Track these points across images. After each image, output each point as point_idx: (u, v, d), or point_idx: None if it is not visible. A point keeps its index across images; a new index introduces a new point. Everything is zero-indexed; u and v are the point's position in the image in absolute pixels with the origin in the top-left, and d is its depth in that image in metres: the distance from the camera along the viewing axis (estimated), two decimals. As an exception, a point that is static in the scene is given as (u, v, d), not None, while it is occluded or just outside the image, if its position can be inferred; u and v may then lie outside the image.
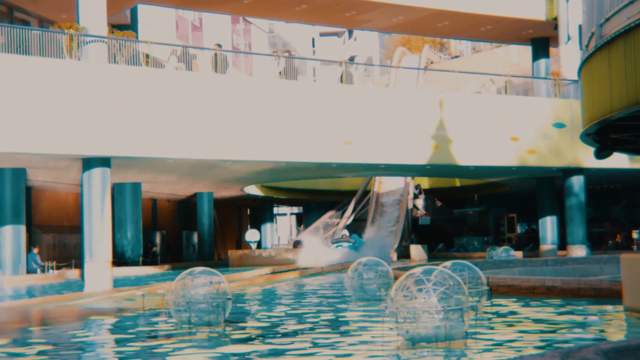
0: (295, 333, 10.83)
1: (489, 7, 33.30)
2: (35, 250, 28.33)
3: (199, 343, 9.80)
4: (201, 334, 10.45)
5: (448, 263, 11.82)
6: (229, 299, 10.93)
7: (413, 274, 8.82)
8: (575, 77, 25.31)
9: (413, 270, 8.96)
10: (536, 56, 37.08)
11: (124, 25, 29.78)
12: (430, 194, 45.62)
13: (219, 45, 27.65)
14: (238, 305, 12.84)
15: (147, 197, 39.14)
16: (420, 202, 44.26)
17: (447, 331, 8.65)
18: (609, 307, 12.54)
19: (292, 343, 9.72)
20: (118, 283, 22.67)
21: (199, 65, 27.33)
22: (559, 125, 30.34)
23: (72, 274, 26.60)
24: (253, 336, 10.38)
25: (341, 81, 28.52)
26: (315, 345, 9.47)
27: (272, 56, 27.86)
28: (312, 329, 11.21)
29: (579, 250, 31.44)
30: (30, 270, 27.08)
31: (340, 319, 12.43)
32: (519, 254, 31.58)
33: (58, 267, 29.02)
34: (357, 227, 43.06)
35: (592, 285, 13.80)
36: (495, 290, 13.77)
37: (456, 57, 59.01)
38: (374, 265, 14.60)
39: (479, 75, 34.33)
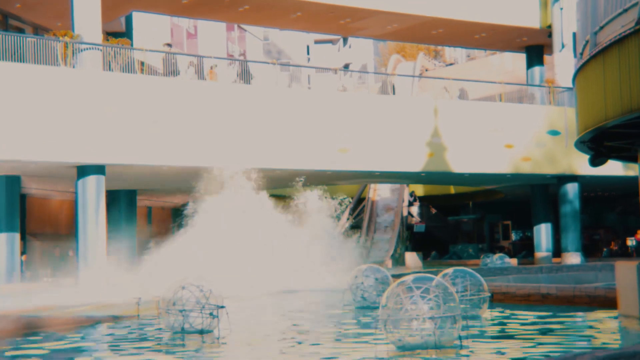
0: (289, 340, 10.81)
1: (483, 15, 33.34)
2: (23, 258, 28.22)
3: (191, 352, 9.77)
4: (194, 342, 10.42)
5: (450, 270, 11.84)
6: (222, 307, 10.91)
7: (404, 281, 8.83)
8: (570, 85, 25.36)
9: (404, 278, 8.97)
10: (530, 64, 37.12)
11: (118, 33, 29.75)
12: (425, 201, 45.61)
13: (169, 45, 27.50)
14: (232, 313, 12.80)
15: (142, 204, 39.04)
16: (415, 210, 44.27)
17: (437, 339, 8.65)
18: (603, 314, 12.54)
19: (287, 349, 9.70)
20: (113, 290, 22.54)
21: (217, 75, 27.22)
22: (554, 133, 30.39)
23: (67, 281, 26.48)
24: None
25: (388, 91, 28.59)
26: (310, 351, 9.45)
27: (269, 64, 27.83)
28: (308, 334, 11.19)
29: (573, 258, 31.44)
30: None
31: (337, 326, 12.41)
32: (513, 262, 31.59)
33: (53, 275, 28.91)
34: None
35: (587, 292, 13.81)
36: (490, 298, 13.75)
37: (451, 64, 59.12)
38: (374, 273, 14.64)
39: (474, 82, 34.40)
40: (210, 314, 10.84)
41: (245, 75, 26.82)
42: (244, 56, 28.64)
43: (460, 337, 8.88)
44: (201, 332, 10.82)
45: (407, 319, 8.69)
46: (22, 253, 28.82)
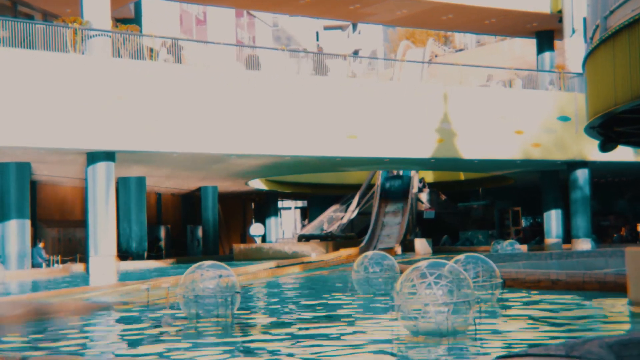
0: (300, 327, 10.84)
1: (493, 0, 33.23)
2: (41, 245, 28.39)
3: (207, 336, 9.81)
4: (210, 327, 10.47)
5: (461, 256, 11.82)
6: (238, 292, 10.95)
7: (418, 267, 8.82)
8: (580, 70, 25.24)
9: (418, 264, 8.96)
10: (541, 49, 36.99)
11: (127, 19, 29.78)
12: (434, 188, 45.58)
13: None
14: (244, 299, 12.85)
15: (151, 191, 39.17)
16: (424, 196, 44.24)
17: (452, 324, 8.66)
18: (613, 300, 12.52)
19: (298, 336, 9.73)
20: (123, 277, 22.70)
21: (186, 58, 27.22)
22: (564, 119, 30.29)
23: (77, 268, 26.64)
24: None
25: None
26: (321, 338, 9.47)
27: (278, 50, 27.79)
28: (318, 322, 11.21)
29: (584, 244, 31.40)
30: (35, 265, 27.13)
31: (345, 313, 12.43)
32: (524, 248, 31.56)
33: (63, 261, 29.07)
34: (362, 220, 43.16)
35: (597, 278, 13.78)
36: (502, 284, 13.75)
37: (460, 50, 58.95)
38: (380, 259, 14.60)
39: (484, 68, 34.30)
40: (226, 299, 10.89)
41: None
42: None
43: (474, 323, 8.88)
44: (217, 317, 10.87)
45: (421, 304, 8.69)
46: (40, 239, 28.99)
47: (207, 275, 11.09)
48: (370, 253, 14.86)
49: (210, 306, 10.94)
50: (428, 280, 8.70)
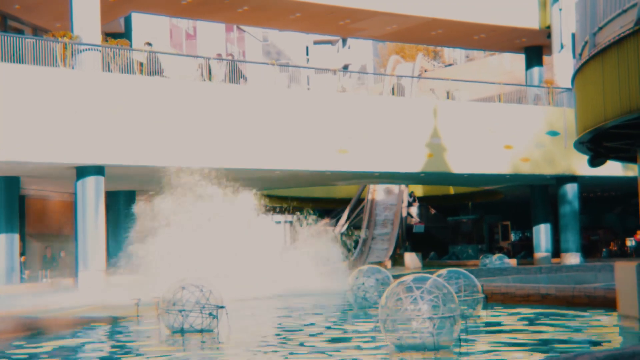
0: (288, 341, 10.82)
1: (482, 15, 33.35)
2: (22, 259, 28.20)
3: (191, 351, 9.78)
4: (193, 342, 10.44)
5: (444, 271, 11.84)
6: (221, 307, 10.92)
7: (404, 281, 8.83)
8: (569, 86, 25.36)
9: (403, 278, 8.96)
10: (529, 64, 37.13)
11: (117, 34, 29.72)
12: (424, 202, 45.62)
13: (149, 44, 26.92)
14: (233, 313, 12.81)
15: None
16: (414, 210, 44.28)
17: (436, 339, 8.65)
18: (603, 315, 12.55)
19: (286, 351, 9.71)
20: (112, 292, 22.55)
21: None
22: (553, 134, 30.41)
23: (66, 282, 26.47)
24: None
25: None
26: (310, 351, 9.46)
27: (268, 64, 27.80)
28: (308, 335, 11.19)
29: (572, 258, 31.46)
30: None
31: (336, 326, 12.41)
32: (512, 262, 31.61)
33: (51, 276, 28.89)
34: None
35: (586, 292, 13.82)
36: (490, 298, 13.78)
37: (450, 65, 59.14)
38: (375, 273, 14.65)
39: (473, 83, 34.42)
40: (210, 314, 10.86)
41: (235, 75, 26.49)
42: (232, 57, 28.28)
43: (459, 338, 8.88)
44: (201, 332, 10.84)
45: (406, 319, 8.69)
46: (21, 254, 28.80)
47: (190, 290, 11.07)
48: (364, 267, 14.93)
49: (193, 320, 10.90)
50: (413, 295, 8.70)
